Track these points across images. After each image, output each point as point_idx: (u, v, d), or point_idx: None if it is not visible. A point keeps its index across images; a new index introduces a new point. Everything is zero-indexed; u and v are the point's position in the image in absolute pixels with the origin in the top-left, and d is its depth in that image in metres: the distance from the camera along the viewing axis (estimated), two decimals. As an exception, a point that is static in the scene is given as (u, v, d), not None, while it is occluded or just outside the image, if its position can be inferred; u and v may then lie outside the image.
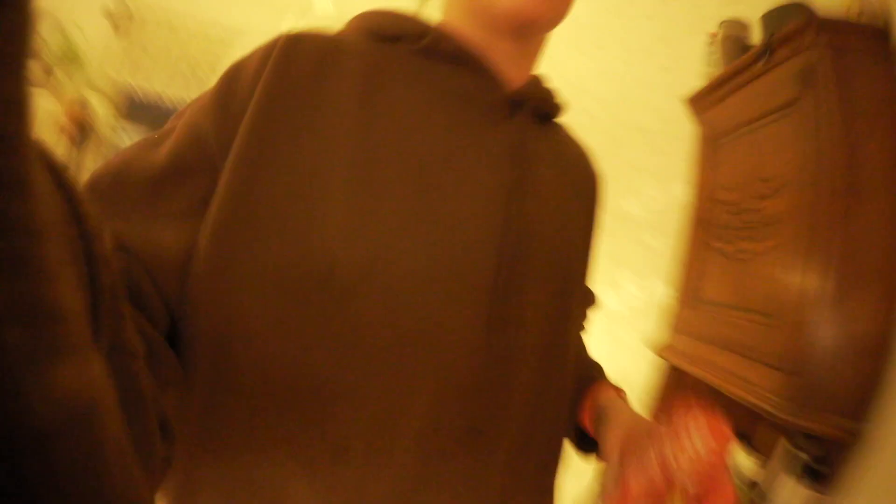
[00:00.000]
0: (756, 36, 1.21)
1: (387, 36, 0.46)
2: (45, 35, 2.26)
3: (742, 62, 1.13)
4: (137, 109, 2.65)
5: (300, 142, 0.38)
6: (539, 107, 0.50)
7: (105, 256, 0.21)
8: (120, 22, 2.51)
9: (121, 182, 0.37)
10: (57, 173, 0.19)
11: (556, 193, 0.48)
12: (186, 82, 2.74)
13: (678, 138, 2.15)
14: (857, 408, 0.82)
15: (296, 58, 0.41)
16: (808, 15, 0.94)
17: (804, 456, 0.88)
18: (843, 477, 0.84)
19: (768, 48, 1.03)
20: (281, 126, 0.39)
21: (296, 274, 0.37)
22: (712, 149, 1.29)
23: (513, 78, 0.48)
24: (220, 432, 0.38)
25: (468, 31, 0.46)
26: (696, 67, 1.53)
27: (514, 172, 0.44)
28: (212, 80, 0.44)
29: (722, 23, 1.29)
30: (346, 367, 0.37)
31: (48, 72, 2.28)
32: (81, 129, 2.47)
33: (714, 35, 1.32)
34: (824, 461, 0.86)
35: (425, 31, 0.46)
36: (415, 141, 0.41)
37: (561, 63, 2.14)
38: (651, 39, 1.88)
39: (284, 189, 0.38)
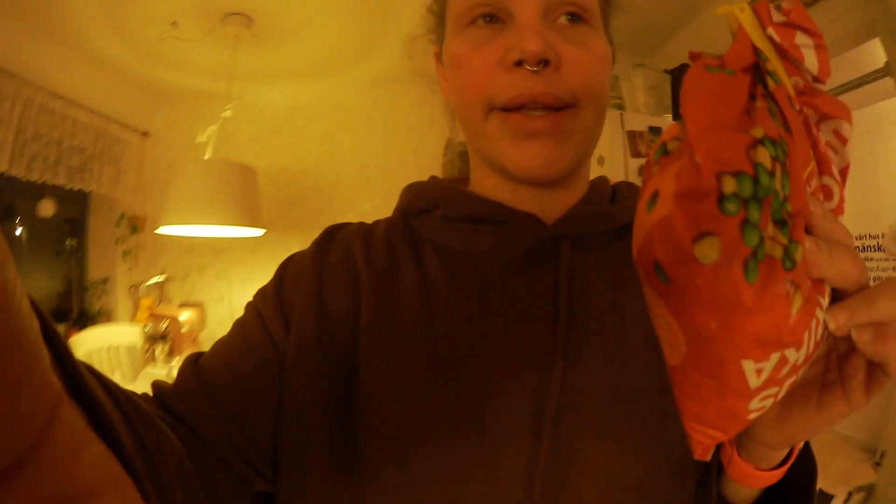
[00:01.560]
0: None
1: (412, 211, 0.50)
2: None
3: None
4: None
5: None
6: (589, 228, 0.46)
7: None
8: None
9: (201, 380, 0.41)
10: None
11: (611, 332, 0.42)
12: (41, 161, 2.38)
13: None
14: None
15: (326, 255, 0.47)
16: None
17: None
18: None
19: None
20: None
21: None
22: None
23: (549, 209, 0.47)
24: None
25: (492, 184, 0.48)
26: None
27: (552, 320, 0.42)
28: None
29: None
30: None
31: None
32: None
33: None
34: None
35: (439, 199, 0.48)
36: (432, 327, 0.42)
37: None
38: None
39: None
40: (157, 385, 0.42)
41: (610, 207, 0.48)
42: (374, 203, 3.11)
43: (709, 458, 0.33)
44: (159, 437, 0.32)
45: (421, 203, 0.50)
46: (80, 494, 0.18)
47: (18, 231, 2.62)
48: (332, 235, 0.49)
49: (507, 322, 0.42)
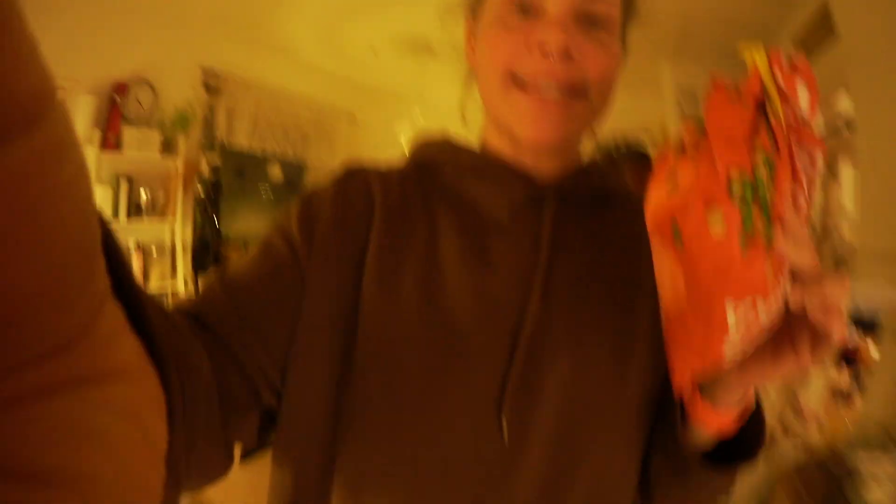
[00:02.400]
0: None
1: (422, 164, 0.55)
2: (159, 106, 2.82)
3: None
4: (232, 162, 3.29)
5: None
6: (575, 190, 0.53)
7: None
8: (213, 88, 3.16)
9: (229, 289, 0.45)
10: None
11: (584, 278, 0.50)
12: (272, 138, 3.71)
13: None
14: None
15: (347, 190, 0.51)
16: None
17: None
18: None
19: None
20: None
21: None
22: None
23: (544, 169, 0.53)
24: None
25: (499, 143, 0.54)
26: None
27: (539, 260, 0.49)
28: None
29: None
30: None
31: (168, 138, 2.82)
32: (206, 183, 3.09)
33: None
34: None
35: (446, 156, 0.55)
36: (429, 264, 0.48)
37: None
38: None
39: (377, 286, 0.47)
40: (183, 301, 0.45)
41: (596, 178, 0.55)
42: None
43: (689, 395, 0.44)
44: (189, 347, 0.35)
45: (433, 155, 0.55)
46: (110, 373, 0.21)
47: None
48: (352, 174, 0.53)
49: (494, 263, 0.48)
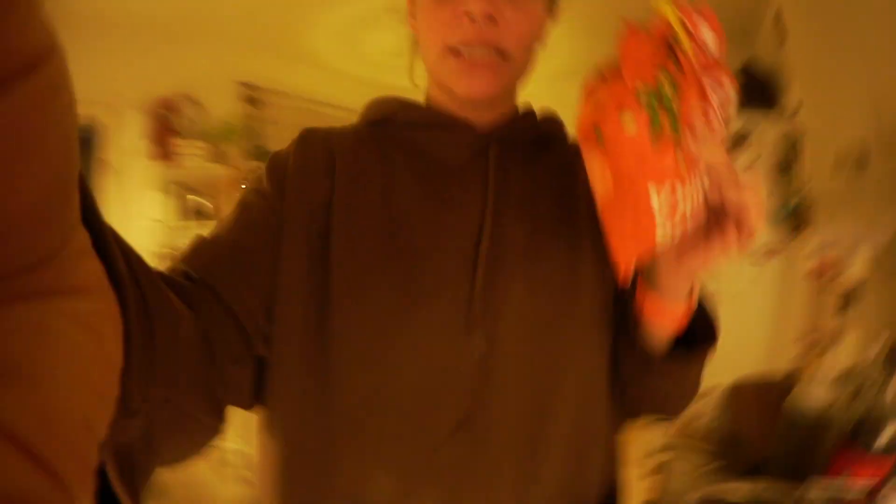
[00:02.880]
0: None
1: (374, 120, 0.60)
2: (205, 119, 3.10)
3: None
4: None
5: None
6: (513, 136, 0.59)
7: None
8: (254, 100, 3.42)
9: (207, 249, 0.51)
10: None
11: (542, 206, 0.57)
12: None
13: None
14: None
15: (307, 146, 0.57)
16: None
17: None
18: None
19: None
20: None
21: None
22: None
23: (486, 123, 0.58)
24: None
25: (441, 99, 0.60)
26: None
27: (487, 198, 0.55)
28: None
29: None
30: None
31: (216, 148, 3.07)
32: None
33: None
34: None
35: (395, 110, 0.60)
36: (389, 205, 0.54)
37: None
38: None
39: (343, 240, 0.53)
40: (174, 262, 0.48)
41: (530, 126, 0.62)
42: None
43: (629, 283, 0.50)
44: (160, 294, 0.36)
45: (384, 112, 0.60)
46: (75, 289, 0.22)
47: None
48: (311, 132, 0.58)
49: (449, 200, 0.55)
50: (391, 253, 0.52)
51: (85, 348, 0.21)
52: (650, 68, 0.40)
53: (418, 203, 0.54)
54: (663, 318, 0.49)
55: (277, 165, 0.56)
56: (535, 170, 0.59)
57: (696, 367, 0.54)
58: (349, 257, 0.51)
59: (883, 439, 0.70)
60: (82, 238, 0.25)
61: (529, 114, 0.62)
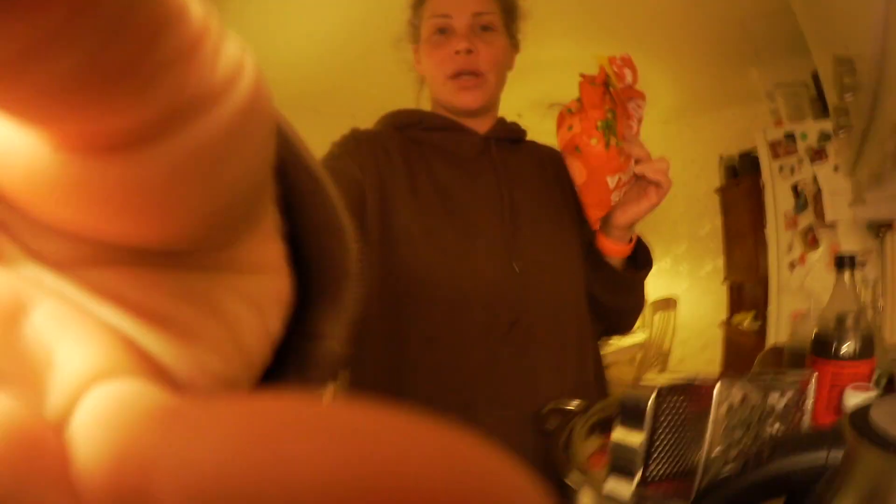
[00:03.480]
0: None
1: (400, 125, 0.83)
2: None
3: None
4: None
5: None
6: (503, 137, 0.85)
7: None
8: None
9: None
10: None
11: (533, 182, 0.83)
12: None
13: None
14: None
15: (370, 141, 0.79)
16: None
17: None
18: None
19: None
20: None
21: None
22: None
23: (481, 128, 0.83)
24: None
25: (445, 114, 0.84)
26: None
27: (500, 178, 0.80)
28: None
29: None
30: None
31: None
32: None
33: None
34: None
35: (421, 118, 0.83)
36: (439, 184, 0.78)
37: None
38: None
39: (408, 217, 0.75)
40: None
41: (508, 130, 0.87)
42: (679, 211, 4.15)
43: (597, 227, 0.79)
44: None
45: (409, 119, 0.83)
46: (249, 269, 0.20)
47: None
48: (362, 134, 0.80)
49: (473, 180, 0.79)
50: (447, 209, 0.75)
51: (246, 322, 0.19)
52: (600, 107, 0.72)
53: (452, 179, 0.78)
54: (617, 251, 0.80)
55: (350, 153, 0.76)
56: (521, 161, 0.85)
57: (640, 284, 0.84)
58: (411, 211, 0.73)
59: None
60: (270, 220, 0.24)
61: (504, 121, 0.88)
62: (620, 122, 0.72)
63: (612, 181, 0.72)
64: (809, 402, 0.53)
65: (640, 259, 0.83)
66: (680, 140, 4.29)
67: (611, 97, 0.72)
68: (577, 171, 0.75)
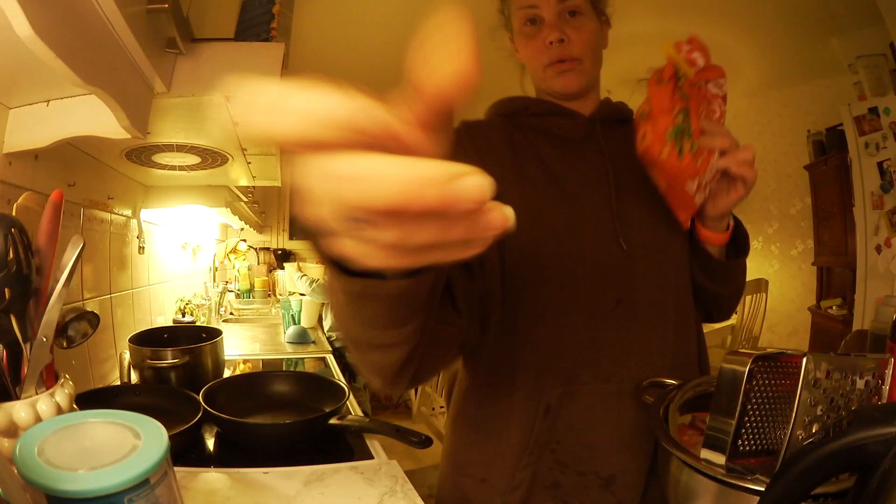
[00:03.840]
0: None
1: (507, 112, 0.86)
2: None
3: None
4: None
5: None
6: (608, 118, 0.85)
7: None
8: None
9: None
10: None
11: (638, 162, 0.77)
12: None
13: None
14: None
15: (475, 134, 0.81)
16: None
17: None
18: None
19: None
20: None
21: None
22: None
23: (585, 109, 0.84)
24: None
25: (548, 99, 0.85)
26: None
27: (606, 159, 0.80)
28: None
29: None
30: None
31: None
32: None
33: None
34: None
35: (527, 104, 0.85)
36: (546, 166, 0.79)
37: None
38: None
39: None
40: None
41: (613, 111, 0.86)
42: (771, 188, 4.07)
43: (688, 226, 0.76)
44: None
45: (515, 106, 0.85)
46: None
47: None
48: (469, 127, 0.82)
49: (581, 160, 0.80)
50: (554, 191, 0.77)
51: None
52: (669, 113, 0.67)
53: (559, 161, 0.80)
54: (712, 240, 0.78)
55: (461, 143, 0.79)
56: (622, 139, 0.81)
57: (737, 270, 0.82)
58: (519, 196, 0.74)
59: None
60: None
61: (608, 101, 0.88)
62: (696, 114, 0.68)
63: (692, 186, 0.69)
64: (886, 388, 0.51)
65: (740, 244, 0.81)
66: (768, 113, 4.08)
67: (682, 93, 0.67)
68: (657, 180, 0.73)
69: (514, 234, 0.71)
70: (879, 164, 2.51)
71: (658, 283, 0.76)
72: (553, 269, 0.73)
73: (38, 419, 0.53)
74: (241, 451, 0.90)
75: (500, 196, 0.66)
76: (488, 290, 0.70)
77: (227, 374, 1.43)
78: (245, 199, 2.44)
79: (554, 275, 0.73)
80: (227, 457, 0.90)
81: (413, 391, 3.37)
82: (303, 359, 2.01)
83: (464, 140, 0.79)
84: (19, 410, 0.53)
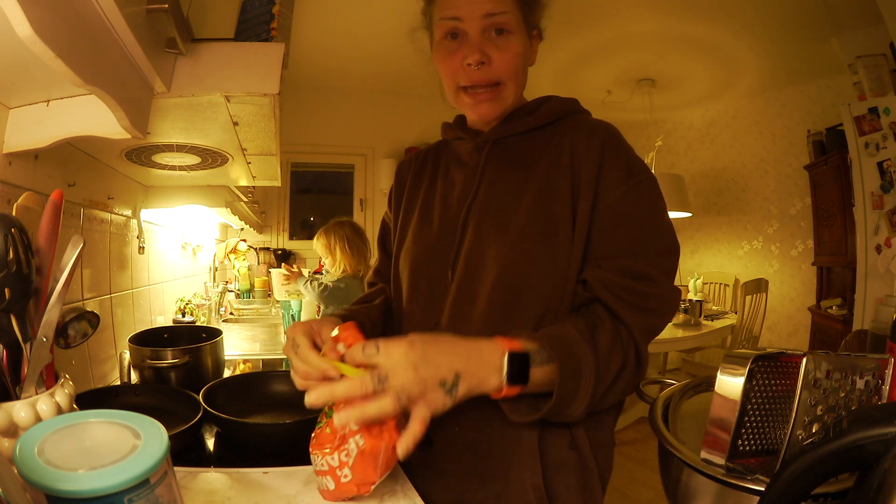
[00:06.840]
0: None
1: (443, 136, 0.91)
2: None
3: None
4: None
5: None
6: (504, 137, 0.79)
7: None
8: None
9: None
10: None
11: (511, 186, 0.76)
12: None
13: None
14: None
15: (403, 168, 0.95)
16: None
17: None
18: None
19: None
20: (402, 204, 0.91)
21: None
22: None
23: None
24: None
25: (468, 120, 0.86)
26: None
27: (478, 184, 0.78)
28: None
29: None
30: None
31: None
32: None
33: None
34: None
35: (446, 129, 0.90)
36: (438, 194, 0.85)
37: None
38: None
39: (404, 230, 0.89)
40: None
41: (518, 123, 0.79)
42: (771, 188, 4.19)
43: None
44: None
45: (444, 131, 0.90)
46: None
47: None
48: (407, 160, 0.96)
49: (454, 185, 0.83)
50: (422, 221, 0.83)
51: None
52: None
53: (449, 187, 0.83)
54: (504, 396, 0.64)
55: (393, 183, 0.97)
56: (521, 159, 0.77)
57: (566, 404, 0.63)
58: (403, 236, 0.87)
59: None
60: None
61: (520, 111, 0.81)
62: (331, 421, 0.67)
63: (333, 454, 0.64)
64: (886, 388, 0.51)
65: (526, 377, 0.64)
66: (768, 113, 4.11)
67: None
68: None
69: (395, 256, 0.90)
70: (879, 164, 2.51)
71: (466, 312, 0.73)
72: (409, 291, 0.82)
73: (38, 419, 0.53)
74: (241, 451, 0.90)
75: (399, 223, 0.91)
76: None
77: (227, 374, 1.42)
78: (245, 199, 2.44)
79: (409, 296, 0.82)
80: (227, 457, 0.89)
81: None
82: (303, 359, 2.00)
83: (402, 170, 0.93)
84: (19, 410, 0.52)
